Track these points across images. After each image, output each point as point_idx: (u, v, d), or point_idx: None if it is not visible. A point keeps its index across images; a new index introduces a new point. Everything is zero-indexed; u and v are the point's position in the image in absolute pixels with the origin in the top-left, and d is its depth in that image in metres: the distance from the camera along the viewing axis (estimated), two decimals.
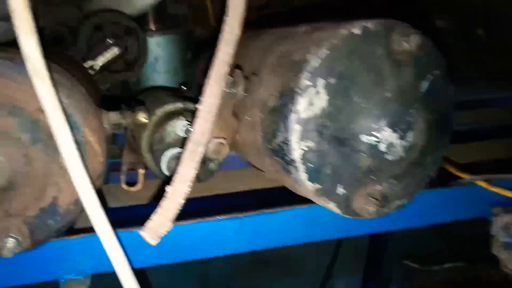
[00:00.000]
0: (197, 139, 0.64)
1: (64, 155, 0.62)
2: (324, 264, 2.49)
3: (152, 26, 1.33)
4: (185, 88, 1.24)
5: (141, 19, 1.26)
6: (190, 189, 0.65)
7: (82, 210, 0.76)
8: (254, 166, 1.06)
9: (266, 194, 1.12)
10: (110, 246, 0.66)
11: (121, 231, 0.78)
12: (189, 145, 0.65)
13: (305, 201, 0.84)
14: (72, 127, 0.65)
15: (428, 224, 1.00)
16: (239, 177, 1.24)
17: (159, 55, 1.31)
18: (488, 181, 1.03)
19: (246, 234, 0.88)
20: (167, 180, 0.90)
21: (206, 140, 0.65)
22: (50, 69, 0.56)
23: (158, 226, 0.63)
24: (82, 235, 0.84)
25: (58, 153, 0.69)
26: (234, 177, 1.23)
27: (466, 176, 1.06)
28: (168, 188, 0.65)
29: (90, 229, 0.88)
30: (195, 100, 1.00)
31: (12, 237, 0.70)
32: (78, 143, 0.65)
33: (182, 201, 0.64)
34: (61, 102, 0.60)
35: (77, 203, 0.74)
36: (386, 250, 2.41)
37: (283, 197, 1.02)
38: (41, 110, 0.67)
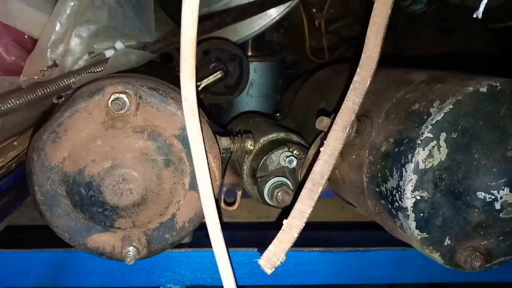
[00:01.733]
0: (317, 179, 0.68)
1: (198, 180, 0.68)
2: None
3: (250, 52, 1.41)
4: (278, 115, 1.30)
5: (241, 46, 1.34)
6: (304, 225, 0.68)
7: (193, 228, 0.82)
8: (344, 200, 1.09)
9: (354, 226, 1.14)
10: (223, 263, 0.71)
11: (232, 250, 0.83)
12: (308, 184, 0.69)
13: (397, 242, 0.86)
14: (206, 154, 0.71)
15: None
16: (324, 206, 1.27)
17: (254, 80, 1.39)
18: None
19: (337, 268, 0.90)
20: (265, 205, 0.95)
21: (324, 181, 0.68)
22: (199, 107, 0.63)
23: (274, 256, 0.67)
24: (185, 249, 0.90)
25: (184, 175, 0.76)
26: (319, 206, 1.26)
27: None
28: (285, 222, 0.69)
29: (187, 245, 0.95)
30: (294, 130, 1.05)
31: (133, 246, 0.77)
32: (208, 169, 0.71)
33: (297, 235, 0.68)
34: (202, 132, 0.66)
35: (191, 221, 0.81)
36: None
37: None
38: (174, 136, 0.74)
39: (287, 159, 0.93)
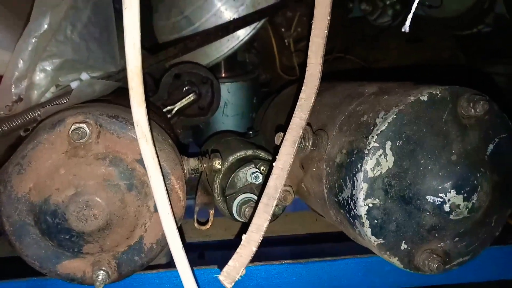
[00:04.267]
0: (271, 193, 0.71)
1: (157, 202, 0.71)
2: None
3: (223, 74, 1.45)
4: (250, 132, 1.33)
5: (214, 67, 1.39)
6: (262, 238, 0.71)
7: (162, 249, 0.84)
8: (315, 211, 1.11)
9: (325, 237, 1.17)
10: (188, 282, 0.73)
11: (196, 268, 0.85)
12: (264, 199, 0.72)
13: (365, 250, 0.88)
14: (163, 176, 0.74)
15: (489, 280, 0.98)
16: (297, 219, 1.29)
17: (229, 100, 1.43)
18: None
19: (308, 279, 0.92)
20: (239, 222, 0.98)
21: (278, 194, 0.71)
22: (152, 131, 0.66)
23: (234, 271, 0.69)
24: (157, 270, 0.92)
25: (148, 198, 0.79)
26: (293, 219, 1.29)
27: None
28: (243, 236, 0.71)
29: (160, 266, 0.97)
30: (263, 147, 1.08)
31: (103, 270, 0.79)
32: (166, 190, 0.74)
33: (255, 249, 0.70)
34: (157, 156, 0.69)
35: (159, 242, 0.83)
36: None
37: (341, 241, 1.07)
38: (136, 161, 0.77)
39: (253, 175, 0.96)
